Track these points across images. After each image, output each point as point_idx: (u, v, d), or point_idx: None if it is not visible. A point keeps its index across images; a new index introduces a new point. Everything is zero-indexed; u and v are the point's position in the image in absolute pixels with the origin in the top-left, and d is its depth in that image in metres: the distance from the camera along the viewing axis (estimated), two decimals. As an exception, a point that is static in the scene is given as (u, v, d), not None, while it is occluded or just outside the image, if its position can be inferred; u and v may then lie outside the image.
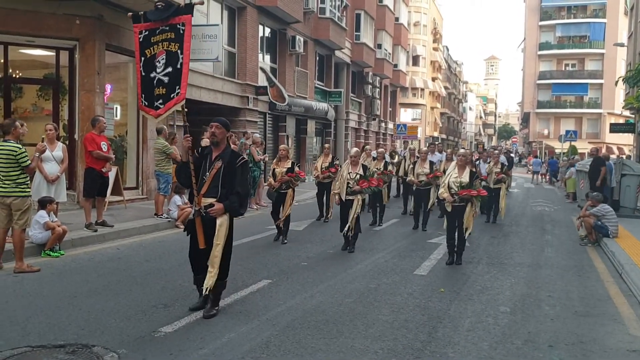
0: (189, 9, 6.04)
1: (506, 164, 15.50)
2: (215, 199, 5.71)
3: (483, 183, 12.53)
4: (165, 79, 6.00)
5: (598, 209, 11.24)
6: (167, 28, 5.99)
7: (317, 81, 28.88)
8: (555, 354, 5.10)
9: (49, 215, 8.57)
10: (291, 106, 23.57)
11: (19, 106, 13.28)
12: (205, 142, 14.03)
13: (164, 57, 5.99)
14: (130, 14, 6.41)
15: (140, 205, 13.61)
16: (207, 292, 5.76)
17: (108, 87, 14.00)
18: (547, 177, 34.35)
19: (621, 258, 9.11)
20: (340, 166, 11.15)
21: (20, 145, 7.55)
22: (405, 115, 54.39)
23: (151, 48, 6.08)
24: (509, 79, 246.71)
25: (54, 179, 9.24)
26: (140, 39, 6.18)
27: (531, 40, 66.27)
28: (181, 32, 5.90)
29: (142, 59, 6.15)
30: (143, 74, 6.17)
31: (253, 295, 6.72)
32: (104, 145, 10.26)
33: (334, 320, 5.83)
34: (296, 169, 10.46)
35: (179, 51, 5.90)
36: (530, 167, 38.29)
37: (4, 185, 7.40)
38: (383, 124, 41.66)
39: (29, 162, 7.55)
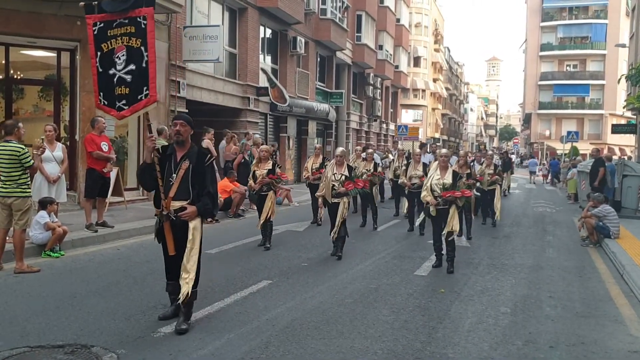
0: (150, 1, 5.55)
1: (499, 164, 14.89)
2: (187, 202, 5.35)
3: (477, 184, 12.38)
4: (128, 78, 5.57)
5: (599, 209, 11.22)
6: (127, 21, 5.53)
7: (318, 82, 28.87)
8: (556, 355, 5.09)
9: (49, 216, 8.57)
10: (292, 107, 23.56)
11: (20, 107, 13.29)
12: (206, 143, 14.06)
13: (125, 53, 5.55)
14: (82, 3, 5.86)
15: (141, 206, 13.60)
16: (184, 301, 5.36)
17: (109, 88, 13.97)
18: (549, 178, 34.32)
19: (622, 259, 9.09)
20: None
21: (23, 146, 7.58)
22: (407, 117, 54.34)
23: (108, 42, 5.63)
24: (510, 80, 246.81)
25: (55, 179, 9.25)
26: (95, 32, 5.71)
27: (532, 41, 66.28)
28: (143, 26, 5.46)
29: (98, 53, 5.70)
30: (100, 70, 5.72)
31: (253, 295, 6.71)
32: (105, 146, 10.25)
33: (334, 321, 5.82)
34: (277, 170, 10.00)
35: (142, 48, 5.47)
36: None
37: (5, 186, 7.42)
38: (384, 125, 41.65)
39: (32, 161, 7.59)
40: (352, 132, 34.03)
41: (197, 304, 6.15)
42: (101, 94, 5.75)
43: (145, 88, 5.51)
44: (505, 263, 9.25)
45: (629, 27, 36.85)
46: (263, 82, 21.65)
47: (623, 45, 35.25)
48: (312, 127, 27.55)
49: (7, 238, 7.75)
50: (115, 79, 5.62)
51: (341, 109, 31.79)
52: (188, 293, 5.30)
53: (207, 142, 14.07)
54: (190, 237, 5.34)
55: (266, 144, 20.03)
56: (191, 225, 5.35)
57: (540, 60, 65.68)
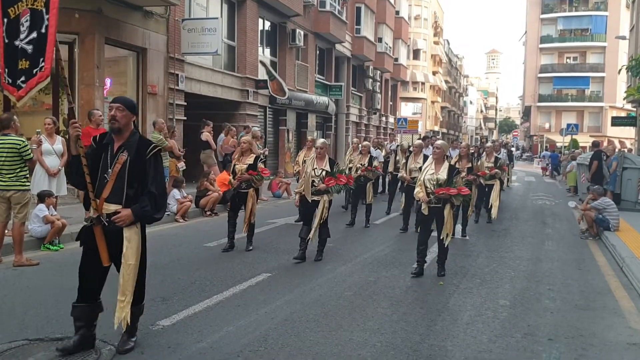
0: None
1: (500, 157, 13.79)
2: (121, 205, 4.42)
3: (480, 179, 11.72)
4: (29, 48, 4.48)
5: (599, 202, 11.21)
6: None
7: (318, 75, 28.81)
8: (555, 348, 5.09)
9: (48, 209, 8.56)
10: (291, 100, 23.52)
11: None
12: (205, 136, 14.04)
13: (28, 18, 4.49)
14: None
15: (140, 199, 13.57)
16: (122, 325, 4.60)
17: (107, 81, 13.98)
18: (549, 170, 34.31)
19: (622, 251, 9.08)
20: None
21: (23, 139, 7.58)
22: (406, 109, 54.31)
23: (15, 6, 4.59)
24: (510, 72, 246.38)
25: (56, 172, 9.24)
26: None
27: (532, 34, 66.10)
28: None
29: (5, 20, 4.64)
30: (6, 41, 4.63)
31: (252, 288, 6.71)
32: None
33: (333, 314, 5.83)
34: (259, 165, 8.92)
35: (44, 10, 4.43)
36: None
37: (4, 179, 7.40)
38: (384, 118, 41.62)
39: (32, 155, 7.61)
40: (352, 125, 34.00)
41: (196, 297, 6.19)
42: (7, 70, 4.66)
43: (41, 59, 4.43)
44: (504, 256, 9.25)
45: (629, 19, 36.76)
46: (262, 74, 21.61)
47: (623, 38, 35.13)
48: (312, 120, 27.52)
49: (6, 231, 7.75)
50: (18, 51, 4.57)
51: (341, 102, 31.75)
52: (127, 320, 4.53)
53: (206, 135, 14.06)
54: (124, 250, 4.45)
55: (263, 137, 19.63)
56: (125, 234, 4.43)
57: (540, 53, 65.51)
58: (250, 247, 8.96)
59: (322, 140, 8.77)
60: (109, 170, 4.42)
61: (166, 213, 11.52)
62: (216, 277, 7.13)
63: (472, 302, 6.46)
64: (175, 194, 11.81)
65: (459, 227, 10.86)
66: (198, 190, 12.86)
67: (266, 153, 16.36)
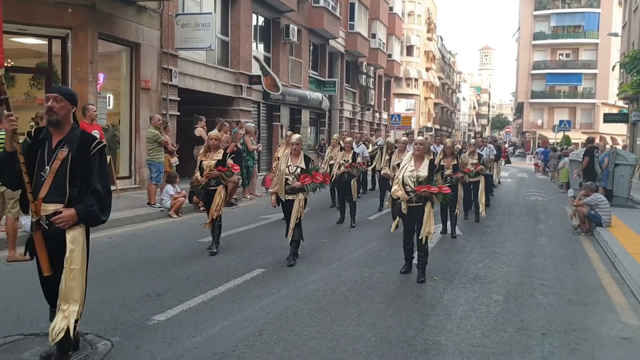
0: None
1: (482, 154, 13.24)
2: (62, 204, 3.96)
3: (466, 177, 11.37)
4: None
5: (591, 198, 11.27)
6: None
7: (311, 71, 28.80)
8: (548, 342, 5.13)
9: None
10: (285, 96, 23.51)
11: (11, 95, 13.10)
12: (198, 131, 14.00)
13: None
14: None
15: (133, 195, 13.56)
16: (60, 341, 3.99)
17: (101, 76, 13.93)
18: (541, 167, 34.42)
19: (614, 247, 9.14)
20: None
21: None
22: (399, 106, 54.42)
23: None
24: (503, 69, 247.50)
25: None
26: None
27: (525, 30, 66.29)
28: None
29: None
30: None
31: (246, 284, 6.72)
32: (96, 134, 10.19)
33: (328, 309, 5.84)
34: (229, 161, 8.50)
35: None
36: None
37: (-4, 175, 7.37)
38: (377, 114, 41.65)
39: None
40: (346, 121, 34.01)
41: (191, 292, 6.20)
42: None
43: None
44: (497, 251, 9.29)
45: (621, 16, 36.92)
46: (256, 70, 21.58)
47: (615, 35, 35.29)
48: (305, 115, 27.52)
49: (0, 226, 7.72)
50: None
51: (334, 97, 31.74)
52: (68, 330, 3.96)
53: (200, 130, 14.02)
54: (67, 254, 3.96)
55: (257, 133, 19.53)
56: (68, 237, 3.96)
57: (533, 49, 65.75)
58: (215, 250, 8.31)
59: (297, 135, 8.33)
60: (47, 167, 4.00)
61: (160, 208, 11.56)
62: (211, 273, 7.14)
63: (465, 297, 6.50)
64: (168, 189, 11.80)
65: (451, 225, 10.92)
66: (191, 186, 12.81)
67: (260, 149, 16.34)
